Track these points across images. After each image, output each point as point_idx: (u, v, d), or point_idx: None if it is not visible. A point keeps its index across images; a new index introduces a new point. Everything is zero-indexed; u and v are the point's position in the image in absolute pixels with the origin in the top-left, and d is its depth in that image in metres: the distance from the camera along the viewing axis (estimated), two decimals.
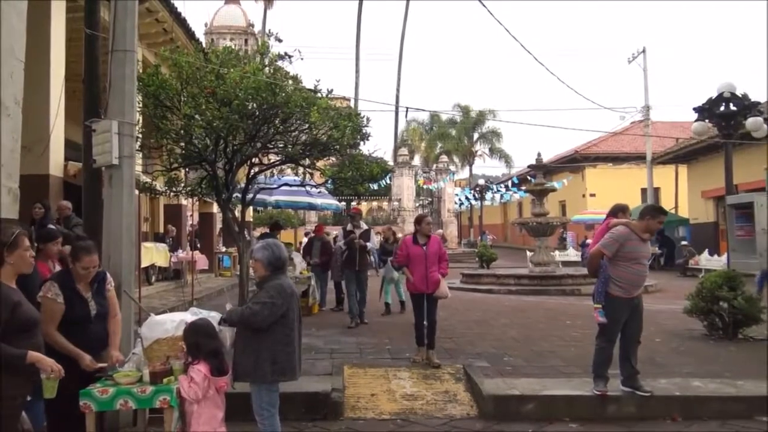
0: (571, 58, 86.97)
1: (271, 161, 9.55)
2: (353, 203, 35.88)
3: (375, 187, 31.36)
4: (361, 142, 9.08)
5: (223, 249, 19.14)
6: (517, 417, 5.25)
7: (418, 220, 7.22)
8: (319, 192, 13.11)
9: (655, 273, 22.19)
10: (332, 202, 17.48)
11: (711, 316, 8.24)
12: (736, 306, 7.90)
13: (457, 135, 45.57)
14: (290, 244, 20.24)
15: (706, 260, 20.04)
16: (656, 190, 29.01)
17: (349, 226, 10.37)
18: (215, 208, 16.75)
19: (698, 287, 8.42)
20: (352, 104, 32.26)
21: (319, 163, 9.71)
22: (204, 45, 13.56)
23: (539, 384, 5.79)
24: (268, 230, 13.56)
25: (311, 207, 18.43)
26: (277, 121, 8.06)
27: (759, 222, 7.51)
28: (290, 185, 11.66)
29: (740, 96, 8.91)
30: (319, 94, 8.26)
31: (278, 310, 3.89)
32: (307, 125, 8.25)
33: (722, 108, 8.92)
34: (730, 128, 9.03)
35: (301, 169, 10.04)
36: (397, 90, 39.08)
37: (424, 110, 57.75)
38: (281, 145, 8.77)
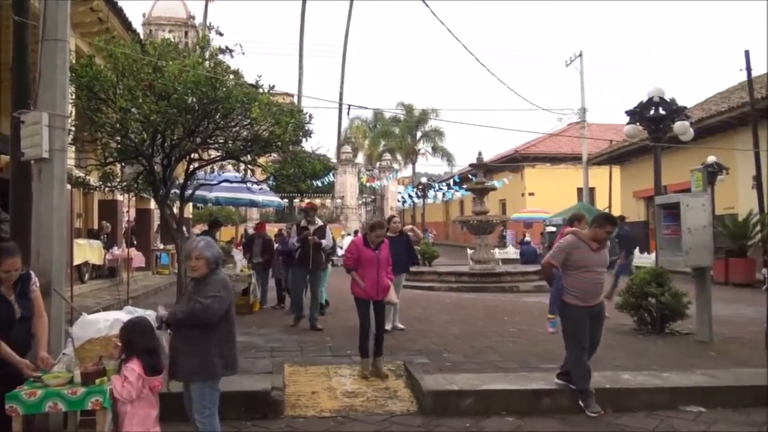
0: (511, 60, 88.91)
1: (211, 157, 9.40)
2: (296, 200, 35.68)
3: (318, 184, 31.29)
4: (304, 139, 9.06)
5: (161, 246, 18.66)
6: (455, 412, 5.33)
7: (378, 225, 6.66)
8: (261, 189, 12.96)
9: None
10: (274, 199, 17.32)
11: (640, 312, 8.59)
12: (663, 302, 8.27)
13: (401, 133, 45.88)
14: (230, 241, 19.98)
15: (637, 258, 20.83)
16: (591, 190, 30.02)
17: (303, 222, 9.55)
18: (153, 204, 16.31)
19: (629, 284, 8.77)
20: (295, 101, 32.02)
21: (261, 160, 9.59)
22: (142, 36, 13.18)
23: (477, 379, 5.90)
24: (207, 227, 13.32)
25: (252, 204, 18.21)
26: (217, 117, 7.94)
27: (685, 221, 7.86)
28: (231, 182, 11.47)
29: (669, 101, 9.32)
30: (260, 90, 8.18)
31: (225, 305, 3.87)
32: (248, 121, 8.16)
33: (652, 112, 9.30)
34: (659, 131, 9.43)
35: (242, 166, 9.91)
36: (341, 87, 39.00)
37: (367, 108, 57.91)
38: (221, 141, 8.65)
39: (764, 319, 7.72)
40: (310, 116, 8.87)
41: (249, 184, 10.69)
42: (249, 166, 9.44)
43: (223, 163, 9.97)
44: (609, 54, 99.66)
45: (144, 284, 14.55)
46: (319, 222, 9.48)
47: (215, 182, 10.89)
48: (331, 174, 32.58)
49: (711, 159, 17.72)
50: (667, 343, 7.96)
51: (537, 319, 10.15)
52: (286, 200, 31.02)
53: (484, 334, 8.64)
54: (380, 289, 6.41)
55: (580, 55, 28.42)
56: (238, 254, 12.20)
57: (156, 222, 18.64)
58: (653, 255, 12.52)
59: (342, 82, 39.65)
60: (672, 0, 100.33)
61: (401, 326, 8.92)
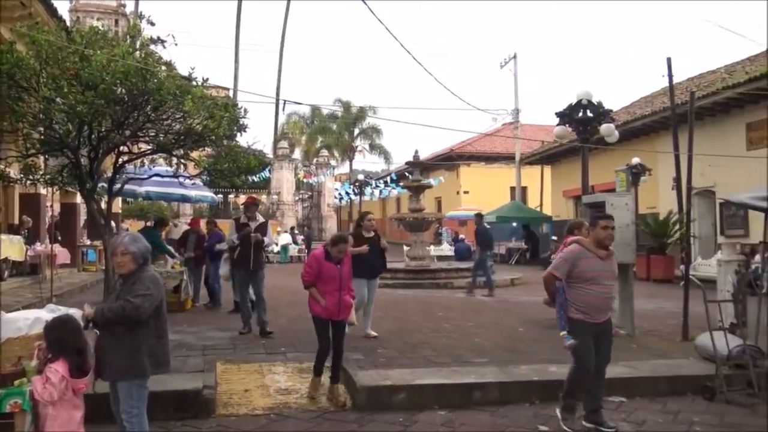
0: (448, 60, 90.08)
1: (142, 150, 9.10)
2: (231, 196, 35.04)
3: (254, 179, 30.82)
4: (239, 134, 8.87)
5: (88, 242, 17.95)
6: (389, 407, 5.39)
7: (341, 239, 5.90)
8: (194, 184, 12.64)
9: (521, 267, 23.62)
10: (207, 194, 16.94)
11: None
12: None
13: (338, 130, 45.70)
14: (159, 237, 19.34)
15: None
16: (524, 189, 30.86)
17: (242, 218, 8.78)
18: (79, 199, 15.66)
19: None
20: (230, 95, 31.44)
21: (194, 154, 9.35)
22: (68, 23, 12.61)
23: (411, 374, 5.98)
24: (152, 225, 12.93)
25: (185, 199, 17.76)
26: (148, 109, 7.70)
27: None
28: (162, 176, 11.13)
29: (596, 104, 9.71)
30: (194, 83, 7.98)
31: (155, 302, 3.78)
32: (180, 114, 7.94)
33: (580, 114, 9.68)
34: (587, 133, 9.82)
35: (174, 160, 9.63)
36: (278, 82, 38.56)
37: (303, 104, 57.38)
38: (152, 134, 8.39)
39: (681, 313, 8.16)
40: (246, 111, 8.71)
41: (181, 179, 10.37)
42: (181, 160, 9.18)
43: (154, 156, 9.64)
44: (542, 57, 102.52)
45: (69, 282, 13.97)
46: (260, 218, 8.84)
47: (145, 176, 10.52)
48: (267, 169, 32.14)
49: (635, 160, 18.53)
50: None
51: (471, 314, 10.39)
52: (220, 196, 30.48)
53: (419, 330, 8.76)
54: (342, 308, 5.77)
55: (514, 57, 29.12)
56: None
57: (83, 217, 17.91)
58: None
59: (279, 77, 39.31)
60: (602, 3, 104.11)
61: (374, 333, 8.17)
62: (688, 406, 5.55)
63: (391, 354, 7.05)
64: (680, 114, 17.05)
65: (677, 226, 17.13)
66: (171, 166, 10.49)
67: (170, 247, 11.56)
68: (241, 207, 9.82)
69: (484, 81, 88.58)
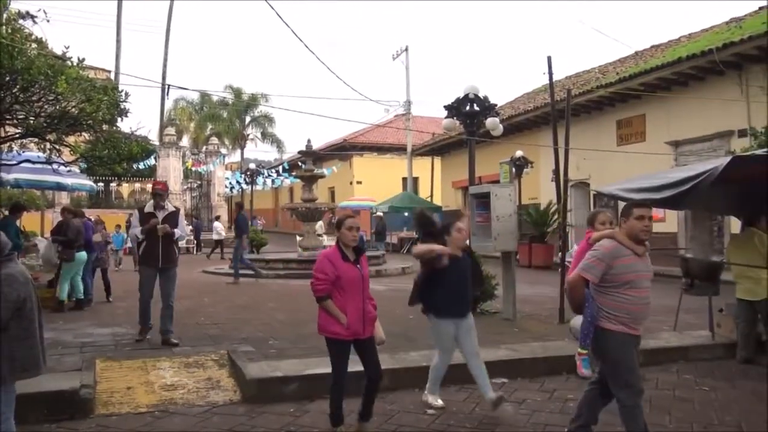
0: (340, 50, 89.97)
1: (9, 134, 8.40)
2: (113, 184, 33.16)
3: (138, 167, 29.30)
4: (120, 118, 8.43)
5: None
6: (280, 398, 5.35)
7: (348, 219, 4.54)
8: (70, 171, 11.85)
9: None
10: (85, 182, 15.90)
11: None
12: None
13: (229, 117, 44.50)
14: (33, 232, 18.00)
15: None
16: (415, 180, 31.54)
17: (148, 207, 7.58)
18: None
19: None
20: (112, 77, 29.63)
21: (70, 139, 8.77)
22: None
23: (302, 364, 5.96)
24: (7, 213, 11.91)
25: (60, 187, 16.55)
26: (15, 89, 7.13)
27: (494, 210, 8.56)
28: (33, 162, 10.33)
29: (482, 98, 10.08)
30: (69, 63, 7.48)
31: (13, 304, 3.44)
32: (53, 96, 7.42)
33: (467, 108, 10.01)
34: (473, 126, 10.17)
35: (47, 145, 8.98)
36: (164, 66, 36.72)
37: (191, 89, 55.33)
38: (21, 116, 7.78)
39: (558, 298, 8.70)
40: (127, 94, 8.27)
41: (55, 166, 9.68)
42: (55, 145, 8.58)
43: (24, 141, 8.94)
44: (433, 50, 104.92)
45: None
46: (171, 207, 7.70)
47: (14, 162, 9.72)
48: (152, 157, 30.65)
49: (518, 153, 19.49)
50: (478, 321, 8.52)
51: None
52: (101, 184, 28.74)
53: (311, 320, 8.64)
54: (367, 322, 4.49)
55: (406, 49, 29.61)
56: (42, 242, 11.08)
57: None
58: (468, 241, 13.48)
59: (165, 60, 37.39)
60: (489, 2, 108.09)
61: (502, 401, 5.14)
62: (563, 384, 5.92)
63: (282, 345, 6.99)
64: (559, 110, 18.08)
65: (556, 216, 18.23)
66: (44, 151, 9.76)
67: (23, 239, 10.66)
68: (148, 195, 8.64)
69: (377, 72, 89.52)
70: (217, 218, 26.59)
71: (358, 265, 4.48)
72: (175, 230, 7.45)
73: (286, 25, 24.11)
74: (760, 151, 6.10)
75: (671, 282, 10.43)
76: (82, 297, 9.77)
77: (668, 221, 15.73)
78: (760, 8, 17.83)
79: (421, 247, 5.04)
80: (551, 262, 17.88)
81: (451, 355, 5.14)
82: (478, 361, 5.11)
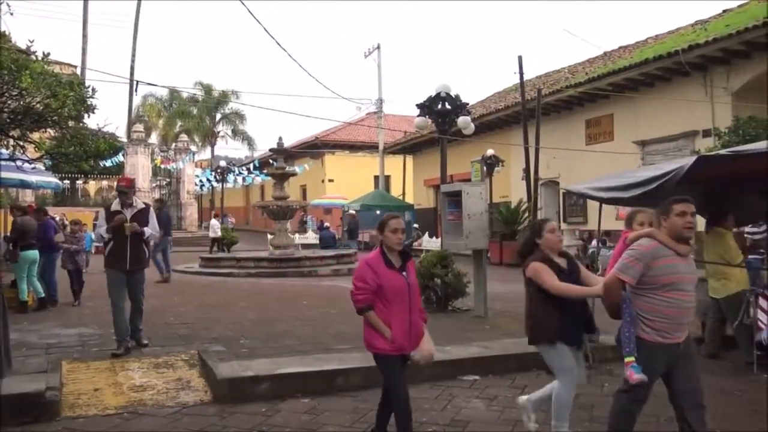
0: (314, 48, 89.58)
1: None
2: (79, 182, 32.50)
3: (106, 164, 28.78)
4: (86, 115, 8.25)
5: None
6: (251, 398, 5.30)
7: (385, 224, 4.00)
8: (34, 168, 11.56)
9: None
10: (51, 180, 15.54)
11: (427, 291, 9.26)
12: (447, 282, 9.02)
13: (199, 114, 44.04)
14: None
15: (426, 242, 22.44)
16: (387, 178, 31.61)
17: (114, 205, 6.91)
18: None
19: (417, 266, 9.40)
20: (78, 72, 29.03)
21: (34, 136, 8.56)
22: None
23: (274, 363, 5.92)
24: None
25: (24, 185, 16.15)
26: None
27: (465, 208, 8.62)
28: None
29: (454, 97, 10.15)
30: (33, 57, 7.30)
31: None
32: (17, 91, 7.23)
33: (439, 106, 10.07)
34: (445, 124, 10.23)
35: (10, 141, 8.75)
36: (132, 61, 36.08)
37: (160, 85, 54.52)
38: None
39: None
40: (94, 90, 8.11)
41: (19, 163, 9.43)
42: (19, 142, 8.36)
43: None
44: (405, 48, 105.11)
45: None
46: (140, 204, 7.06)
47: None
48: (120, 154, 30.13)
49: (489, 152, 19.65)
50: (450, 319, 8.69)
51: (335, 302, 10.47)
52: (67, 182, 28.16)
53: (282, 319, 8.70)
54: (414, 336, 3.94)
55: (378, 47, 29.60)
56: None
57: None
58: (440, 239, 13.56)
59: (134, 55, 36.75)
60: (461, 2, 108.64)
61: None
62: (534, 380, 5.99)
63: (253, 344, 6.93)
64: (529, 109, 18.33)
65: (526, 214, 18.44)
66: (7, 148, 9.51)
67: None
68: (114, 193, 7.70)
69: (349, 70, 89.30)
70: (215, 216, 26.30)
71: (404, 273, 3.94)
72: (145, 229, 6.84)
73: (258, 21, 23.93)
74: (724, 151, 6.24)
75: None
76: (43, 296, 9.54)
77: None
78: (724, 11, 18.27)
79: (562, 287, 3.99)
80: None
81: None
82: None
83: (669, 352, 3.66)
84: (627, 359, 3.68)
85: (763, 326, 6.30)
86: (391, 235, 3.93)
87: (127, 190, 6.94)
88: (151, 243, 7.48)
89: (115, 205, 6.90)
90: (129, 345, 6.69)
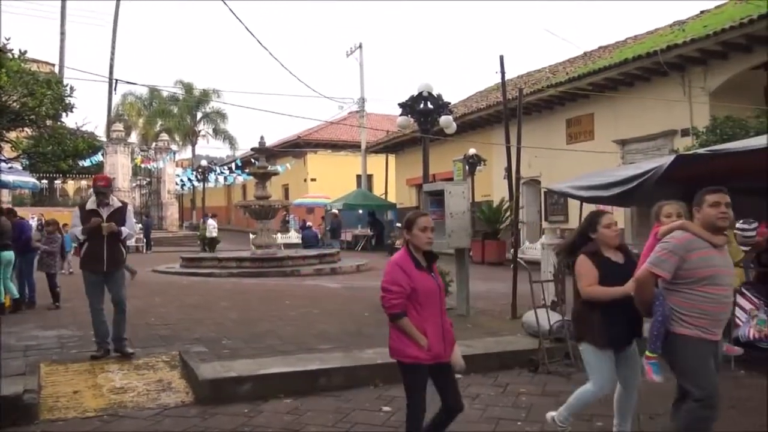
0: (296, 47, 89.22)
1: None
2: (57, 181, 32.07)
3: (84, 164, 28.44)
4: (65, 114, 8.16)
5: None
6: (233, 399, 5.27)
7: (413, 222, 3.67)
8: (11, 168, 11.41)
9: (367, 253, 24.19)
10: (28, 179, 15.30)
11: None
12: None
13: (180, 113, 43.68)
14: None
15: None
16: (370, 177, 31.57)
17: (90, 203, 6.61)
18: None
19: None
20: (56, 70, 28.63)
21: (12, 135, 8.44)
22: None
23: (256, 364, 5.90)
24: None
25: (1, 185, 15.97)
26: None
27: (447, 207, 8.64)
28: None
29: (436, 96, 10.17)
30: (9, 55, 7.20)
31: None
32: None
33: (422, 105, 10.08)
34: (427, 124, 10.25)
35: None
36: (111, 59, 35.65)
37: (139, 84, 53.90)
38: None
39: (511, 293, 8.84)
40: (73, 89, 8.07)
41: None
42: None
43: None
44: (387, 47, 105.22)
45: None
46: (117, 203, 6.74)
47: None
48: (100, 153, 29.76)
49: (471, 151, 19.73)
50: None
51: (317, 302, 10.46)
52: (45, 181, 27.76)
53: (265, 319, 8.66)
54: (447, 341, 3.64)
55: (360, 46, 29.57)
56: None
57: None
58: None
59: (113, 54, 36.30)
60: (443, 1, 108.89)
61: None
62: (516, 378, 6.04)
63: (236, 345, 6.90)
64: (511, 108, 18.38)
65: (508, 213, 18.53)
66: None
67: None
68: (90, 191, 7.27)
69: (332, 69, 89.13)
70: (213, 216, 26.04)
71: (433, 274, 3.67)
72: (123, 228, 6.57)
73: (239, 20, 23.67)
74: (701, 150, 6.32)
75: None
76: (18, 297, 9.39)
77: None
78: (702, 12, 18.52)
79: (592, 292, 3.82)
80: (504, 258, 18.16)
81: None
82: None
83: (710, 348, 3.48)
84: (649, 354, 3.54)
85: (740, 323, 6.41)
86: (420, 234, 3.61)
87: (105, 190, 6.66)
88: (128, 242, 7.24)
89: (91, 204, 6.62)
90: (109, 347, 6.50)
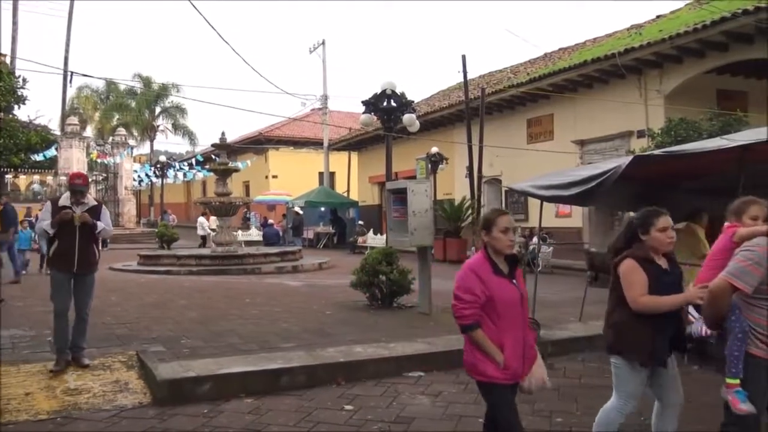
0: (258, 42, 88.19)
1: None
2: (8, 176, 31.01)
3: (37, 158, 27.56)
4: (17, 106, 7.88)
5: None
6: (192, 399, 5.18)
7: (492, 222, 3.21)
8: None
9: (329, 251, 24.12)
10: None
11: (372, 288, 9.27)
12: (392, 279, 9.05)
13: (138, 107, 42.76)
14: None
15: (371, 239, 22.47)
16: (332, 174, 31.46)
17: (63, 200, 6.14)
18: None
19: (362, 263, 9.40)
20: (8, 61, 27.67)
21: None
22: None
23: (216, 363, 5.81)
24: None
25: None
26: None
27: (410, 205, 8.66)
28: None
29: (399, 94, 10.19)
30: None
31: None
32: None
33: (385, 103, 10.09)
34: (390, 122, 10.27)
35: None
36: (66, 51, 34.63)
37: (96, 77, 52.61)
38: None
39: None
40: (25, 80, 7.80)
41: None
42: None
43: None
44: (351, 45, 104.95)
45: None
46: (92, 201, 6.25)
47: None
48: (53, 148, 28.90)
49: (434, 150, 19.84)
50: (395, 316, 8.73)
51: (279, 300, 10.37)
52: None
53: (225, 318, 8.54)
54: (528, 358, 3.23)
55: (323, 43, 29.44)
56: None
57: None
58: (385, 236, 13.61)
59: (68, 45, 35.28)
60: (406, 1, 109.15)
61: None
62: None
63: (195, 344, 6.78)
64: (473, 108, 18.58)
65: (470, 211, 18.71)
66: None
67: None
68: (64, 187, 6.45)
69: (294, 65, 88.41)
70: (203, 214, 25.43)
71: (514, 281, 3.22)
72: (98, 222, 6.06)
73: (201, 14, 23.39)
74: (657, 151, 6.49)
75: (577, 275, 10.94)
76: None
77: (574, 216, 16.50)
78: (658, 16, 19.01)
79: (647, 303, 3.33)
80: (465, 256, 18.32)
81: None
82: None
83: None
84: (730, 381, 3.08)
85: (693, 319, 6.58)
86: (501, 236, 3.17)
87: (82, 188, 6.13)
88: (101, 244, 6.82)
89: (64, 200, 6.13)
90: (68, 358, 5.99)
